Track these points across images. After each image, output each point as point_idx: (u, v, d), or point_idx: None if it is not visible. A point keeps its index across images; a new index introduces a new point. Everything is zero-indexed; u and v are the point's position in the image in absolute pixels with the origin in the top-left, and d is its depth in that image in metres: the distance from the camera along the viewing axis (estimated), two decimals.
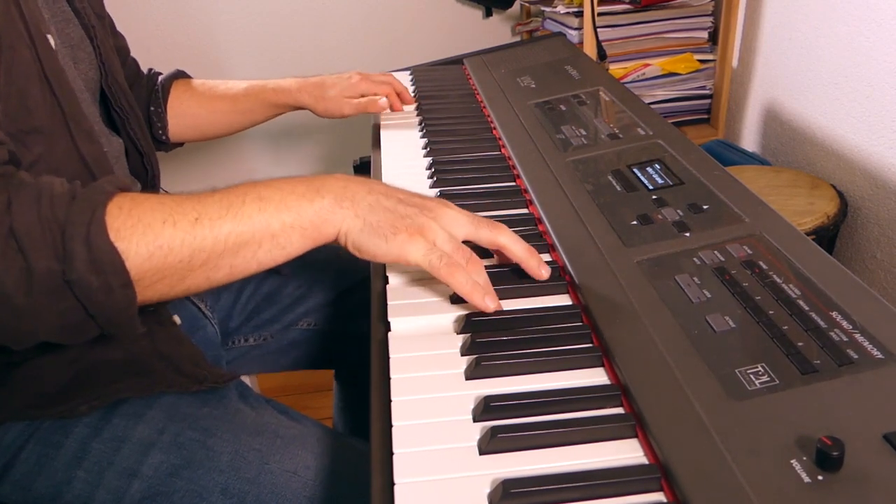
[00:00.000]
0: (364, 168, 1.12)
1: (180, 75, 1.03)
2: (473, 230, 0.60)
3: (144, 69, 1.01)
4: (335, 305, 0.98)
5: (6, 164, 0.53)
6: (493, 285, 0.61)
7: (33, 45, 0.61)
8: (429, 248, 0.56)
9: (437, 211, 0.59)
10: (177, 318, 0.77)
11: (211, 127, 1.04)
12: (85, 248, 0.48)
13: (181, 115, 1.01)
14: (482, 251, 0.64)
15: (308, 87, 1.02)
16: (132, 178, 0.82)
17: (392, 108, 1.08)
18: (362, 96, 1.03)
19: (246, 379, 1.48)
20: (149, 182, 0.84)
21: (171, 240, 0.51)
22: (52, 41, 0.64)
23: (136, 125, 0.81)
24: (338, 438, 0.73)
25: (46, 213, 0.49)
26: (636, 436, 0.47)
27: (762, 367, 0.48)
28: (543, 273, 0.61)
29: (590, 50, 1.50)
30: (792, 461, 0.41)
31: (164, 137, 1.00)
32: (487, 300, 0.57)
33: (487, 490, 0.43)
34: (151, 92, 0.98)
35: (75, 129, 0.65)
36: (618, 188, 0.74)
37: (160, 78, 1.00)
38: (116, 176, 0.56)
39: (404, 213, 0.57)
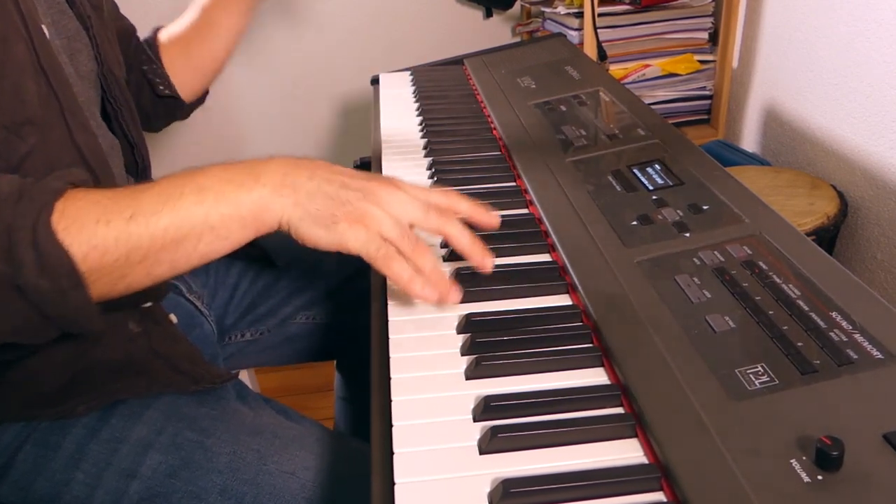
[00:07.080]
0: (364, 168, 1.12)
1: (159, 29, 0.98)
2: (422, 216, 0.58)
3: None
4: (334, 297, 0.96)
5: None
6: (494, 284, 0.62)
7: (29, 36, 0.61)
8: (368, 237, 0.55)
9: (381, 194, 0.57)
10: (173, 317, 0.76)
11: (203, 61, 0.98)
12: (33, 252, 0.47)
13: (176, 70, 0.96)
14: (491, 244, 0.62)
15: None
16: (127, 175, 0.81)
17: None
18: None
19: (246, 379, 1.48)
20: (139, 174, 0.84)
21: (104, 240, 0.50)
22: (46, 32, 0.64)
23: (128, 116, 0.81)
24: (337, 439, 0.72)
25: None
26: (636, 435, 0.47)
27: (762, 367, 0.48)
28: (487, 264, 0.60)
29: (590, 50, 1.50)
30: (792, 461, 0.41)
31: (166, 91, 0.96)
32: (427, 290, 0.56)
33: (487, 490, 0.43)
34: (139, 53, 0.95)
35: (71, 119, 0.64)
36: (618, 188, 0.73)
37: (143, 38, 0.97)
38: (70, 170, 0.55)
39: (345, 199, 0.56)
